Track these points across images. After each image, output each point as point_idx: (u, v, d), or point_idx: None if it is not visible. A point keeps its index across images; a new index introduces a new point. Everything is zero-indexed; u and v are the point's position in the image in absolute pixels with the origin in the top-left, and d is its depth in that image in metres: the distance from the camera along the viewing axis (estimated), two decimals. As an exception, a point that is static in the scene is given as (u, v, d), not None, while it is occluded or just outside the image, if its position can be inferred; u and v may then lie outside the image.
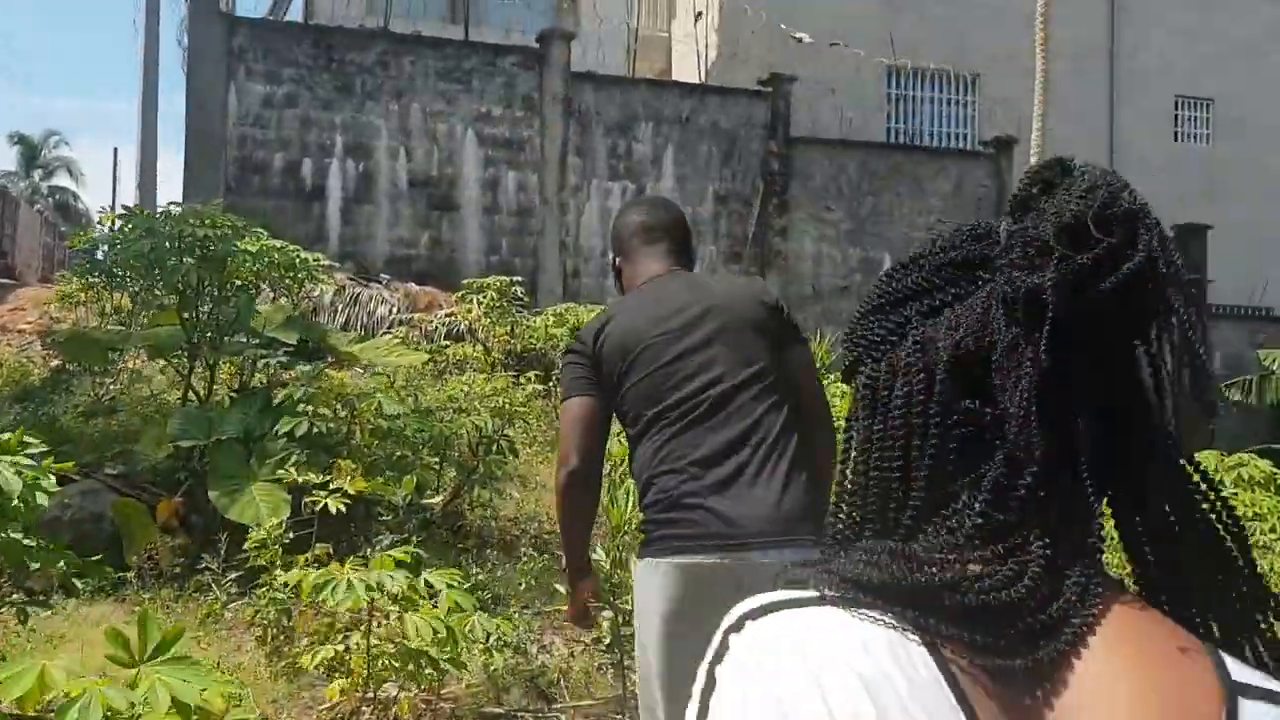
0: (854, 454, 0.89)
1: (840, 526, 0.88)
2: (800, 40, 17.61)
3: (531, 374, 7.05)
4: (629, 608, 3.58)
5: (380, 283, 14.61)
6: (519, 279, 9.47)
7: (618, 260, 2.85)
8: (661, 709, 2.47)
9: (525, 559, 5.18)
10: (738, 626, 0.78)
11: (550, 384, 8.88)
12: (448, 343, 9.13)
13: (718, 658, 0.78)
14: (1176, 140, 21.19)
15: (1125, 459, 0.84)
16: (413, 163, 15.51)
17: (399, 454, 5.71)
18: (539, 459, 7.39)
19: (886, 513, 0.85)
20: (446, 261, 15.61)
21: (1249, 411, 16.82)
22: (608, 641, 3.55)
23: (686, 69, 18.33)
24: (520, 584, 4.80)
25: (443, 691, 3.62)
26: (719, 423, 2.52)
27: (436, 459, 5.81)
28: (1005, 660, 0.74)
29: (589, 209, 16.19)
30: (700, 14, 18.69)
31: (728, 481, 2.45)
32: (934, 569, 0.78)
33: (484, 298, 9.05)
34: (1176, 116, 21.27)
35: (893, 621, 0.76)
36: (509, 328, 9.05)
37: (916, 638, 0.75)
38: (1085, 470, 0.81)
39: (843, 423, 1.02)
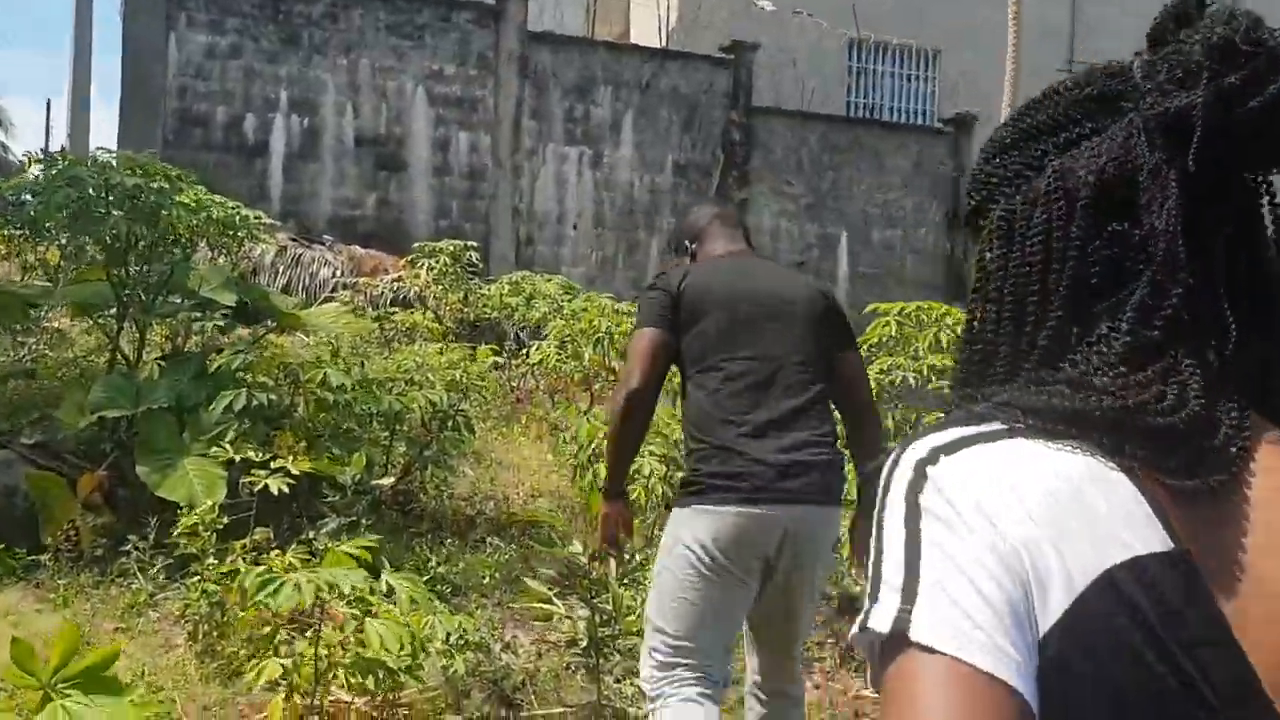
0: (988, 287, 0.90)
1: (972, 358, 0.90)
2: (762, 8, 17.22)
3: (487, 346, 6.65)
4: (609, 606, 3.23)
5: (324, 244, 14.03)
6: (473, 244, 9.00)
7: (692, 246, 3.10)
8: (660, 630, 2.73)
9: (489, 549, 4.79)
10: (932, 459, 0.78)
11: (505, 356, 8.46)
12: (395, 309, 8.64)
13: (915, 487, 0.78)
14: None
15: (1254, 291, 0.85)
16: (360, 120, 14.92)
17: (346, 427, 5.28)
18: (495, 435, 6.98)
19: (1020, 338, 0.87)
20: (394, 224, 15.07)
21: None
22: (584, 644, 3.20)
23: (646, 33, 17.80)
24: (483, 576, 4.42)
25: (398, 697, 3.24)
26: (778, 392, 2.78)
27: (386, 434, 5.39)
28: (1192, 481, 0.77)
29: (544, 174, 15.71)
30: (661, -23, 18.20)
31: (783, 445, 2.72)
32: (1116, 397, 0.79)
33: (435, 262, 8.56)
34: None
35: (1085, 448, 0.77)
36: (462, 295, 8.58)
37: (1110, 462, 0.77)
38: (1225, 294, 0.83)
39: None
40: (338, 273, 13.62)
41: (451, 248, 8.64)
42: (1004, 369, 0.87)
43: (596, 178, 15.95)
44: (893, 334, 4.96)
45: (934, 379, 4.82)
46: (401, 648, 2.81)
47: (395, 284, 13.78)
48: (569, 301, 9.44)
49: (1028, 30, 20.44)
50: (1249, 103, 0.80)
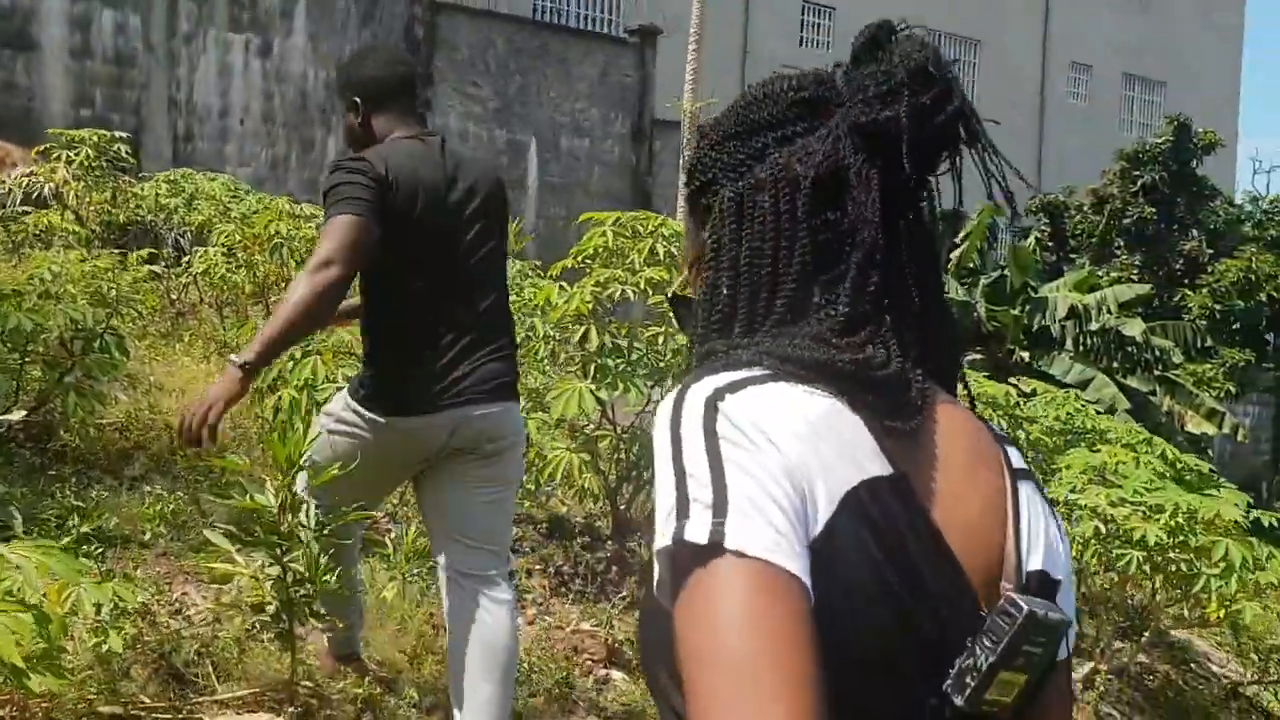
0: (723, 257, 1.03)
1: (711, 318, 1.04)
2: (447, -104, 16.21)
3: (143, 251, 5.75)
4: (301, 569, 2.73)
5: (-66, 131, 12.00)
6: (122, 135, 7.85)
7: (366, 108, 2.84)
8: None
9: (151, 492, 4.07)
10: (719, 397, 0.92)
11: (164, 265, 7.47)
12: (27, 209, 7.38)
13: (710, 420, 0.90)
14: (801, 45, 21.98)
15: (925, 272, 1.05)
16: (-25, -13, 12.84)
17: (-38, 351, 4.35)
18: (155, 356, 6.11)
19: (756, 304, 1.01)
20: (23, 111, 13.15)
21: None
22: (273, 609, 2.70)
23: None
24: (145, 529, 3.73)
25: (23, 696, 2.60)
26: (473, 296, 2.79)
27: (16, 358, 4.49)
28: (901, 423, 0.96)
29: (205, 63, 14.19)
30: None
31: (465, 351, 2.74)
32: (849, 354, 0.97)
33: (76, 154, 7.35)
34: (802, 22, 22.04)
35: (827, 392, 0.94)
36: (109, 194, 7.43)
37: (845, 404, 0.94)
38: (911, 275, 1.03)
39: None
40: (-48, 165, 11.72)
41: (95, 138, 7.44)
42: (742, 328, 1.01)
43: (266, 68, 14.61)
44: (608, 245, 4.63)
45: (651, 293, 4.55)
46: (32, 634, 2.22)
47: (26, 180, 12.06)
48: (238, 204, 8.50)
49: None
50: (936, 119, 0.98)
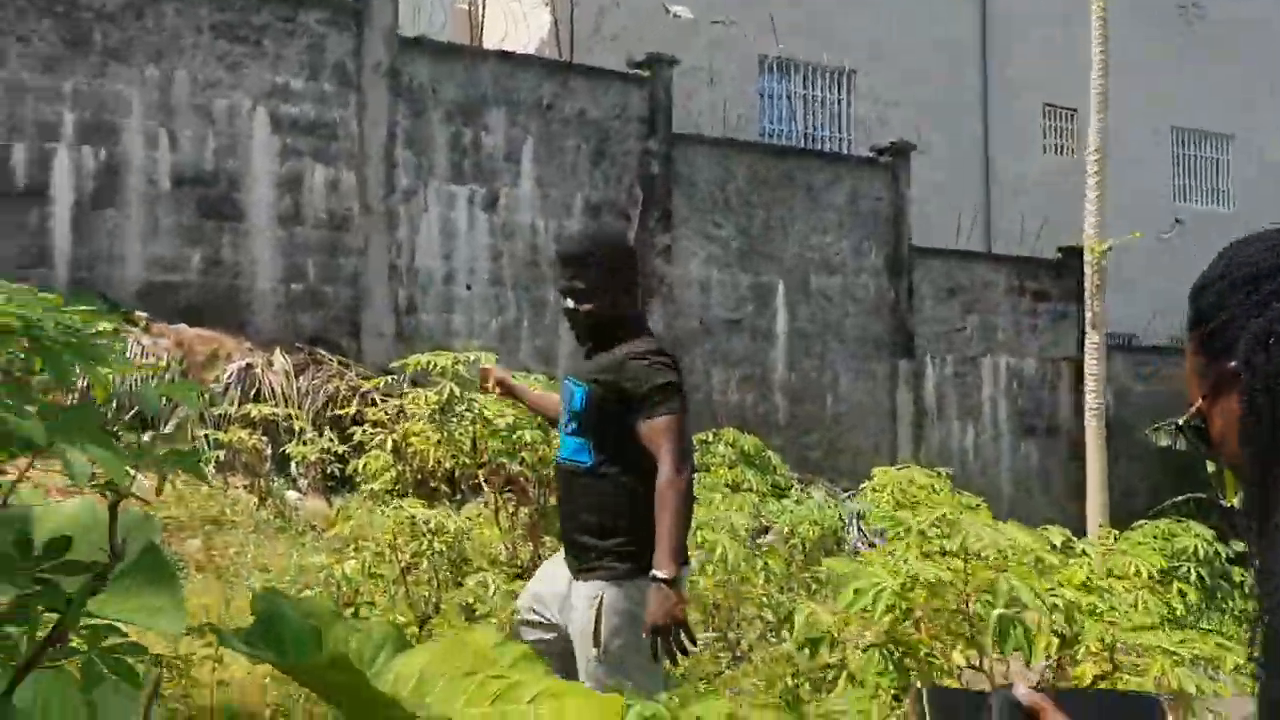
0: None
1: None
2: (676, 16, 14.25)
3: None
4: None
5: (137, 325, 10.05)
6: (491, 353, 5.47)
7: (625, 294, 3.23)
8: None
9: None
10: None
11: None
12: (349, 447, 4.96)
13: None
14: (1045, 152, 19.43)
15: None
16: (178, 153, 11.01)
17: None
18: None
19: None
20: (227, 291, 11.17)
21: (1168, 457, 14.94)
22: None
23: (492, 37, 14.35)
24: None
25: None
26: None
27: None
28: None
29: (427, 221, 12.14)
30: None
31: None
32: None
33: (436, 394, 4.92)
34: (1044, 128, 19.54)
35: None
36: (471, 437, 4.98)
37: None
38: None
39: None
40: (165, 363, 9.75)
41: (455, 363, 5.04)
42: None
43: (493, 222, 12.52)
44: None
45: None
46: None
47: (246, 375, 10.03)
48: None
49: (942, 53, 18.38)
50: None
